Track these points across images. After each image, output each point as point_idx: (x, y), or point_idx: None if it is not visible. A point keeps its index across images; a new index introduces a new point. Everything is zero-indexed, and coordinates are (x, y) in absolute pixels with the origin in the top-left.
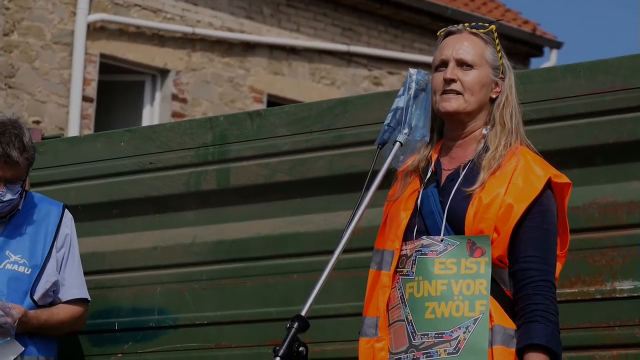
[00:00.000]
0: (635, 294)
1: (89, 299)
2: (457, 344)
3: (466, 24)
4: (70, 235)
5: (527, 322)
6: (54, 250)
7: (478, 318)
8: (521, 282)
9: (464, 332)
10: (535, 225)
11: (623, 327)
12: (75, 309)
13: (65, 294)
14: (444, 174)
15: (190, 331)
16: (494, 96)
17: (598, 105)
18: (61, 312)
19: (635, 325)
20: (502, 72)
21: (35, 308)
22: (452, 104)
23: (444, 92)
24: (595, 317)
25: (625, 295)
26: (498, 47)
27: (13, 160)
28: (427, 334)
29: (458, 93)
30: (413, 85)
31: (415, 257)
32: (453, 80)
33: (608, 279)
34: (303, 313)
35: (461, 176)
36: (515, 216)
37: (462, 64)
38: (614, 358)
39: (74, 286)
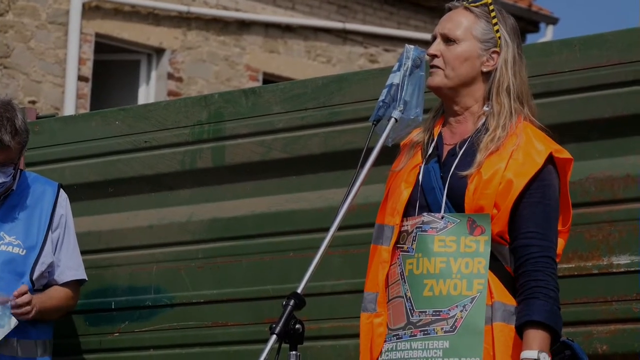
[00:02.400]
0: (633, 269)
1: (86, 279)
2: (454, 322)
3: (470, 0)
4: (65, 215)
5: (527, 299)
6: (49, 231)
7: (475, 297)
8: (521, 258)
9: (461, 311)
10: (536, 201)
11: (620, 302)
12: (69, 291)
13: (61, 276)
14: (446, 149)
15: (186, 310)
16: (485, 70)
17: (593, 79)
18: (57, 295)
19: (632, 300)
20: (498, 47)
21: (32, 290)
22: (434, 79)
23: (430, 67)
24: (592, 292)
25: (622, 270)
26: (494, 21)
27: (4, 145)
28: (425, 312)
29: (440, 68)
30: (409, 62)
31: (416, 233)
32: (435, 56)
33: (605, 253)
34: (299, 290)
35: (460, 153)
36: (515, 191)
37: (446, 39)
38: (612, 333)
39: (71, 267)
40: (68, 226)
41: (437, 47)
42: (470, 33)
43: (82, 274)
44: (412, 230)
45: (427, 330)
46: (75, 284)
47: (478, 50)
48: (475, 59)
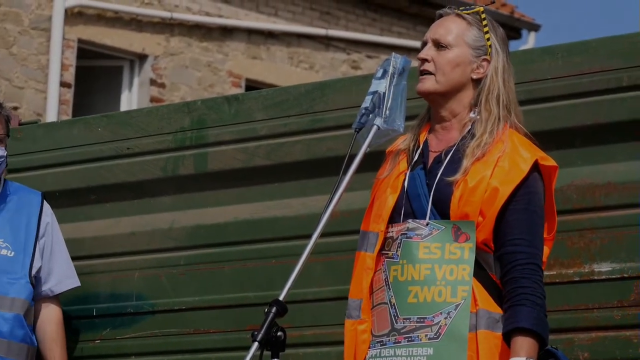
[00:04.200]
0: (614, 276)
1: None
2: (438, 329)
3: (462, 7)
4: (51, 223)
5: (514, 306)
6: (37, 238)
7: (460, 304)
8: (508, 265)
9: (445, 318)
10: (522, 208)
11: (602, 309)
12: (59, 312)
13: (60, 285)
14: (431, 156)
15: (168, 316)
16: (475, 77)
17: (575, 87)
18: (61, 334)
19: (614, 307)
20: (488, 54)
21: (31, 292)
22: (424, 84)
23: (420, 72)
24: (574, 299)
25: (603, 277)
26: (485, 29)
27: None
28: (409, 318)
29: (431, 73)
30: (395, 71)
31: (401, 240)
32: (426, 60)
33: (586, 261)
34: (281, 297)
35: (445, 160)
36: (501, 199)
37: (438, 44)
38: (593, 340)
39: (69, 276)
40: (57, 235)
41: (428, 52)
42: (462, 39)
43: (77, 280)
44: (397, 237)
45: (411, 337)
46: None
47: (469, 56)
48: (466, 66)
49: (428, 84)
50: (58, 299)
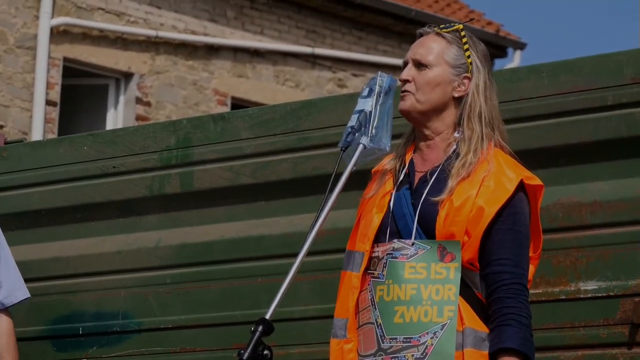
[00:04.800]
0: (600, 295)
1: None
2: (425, 349)
3: (441, 25)
4: None
5: (500, 326)
6: None
7: (446, 324)
8: (493, 285)
9: (432, 338)
10: (507, 228)
11: (587, 328)
12: (10, 323)
13: (11, 297)
14: (417, 176)
15: (154, 335)
16: (457, 95)
17: (561, 105)
18: (12, 344)
19: (599, 326)
20: (469, 72)
21: None
22: (405, 103)
23: (401, 92)
24: (559, 317)
25: (589, 295)
26: (465, 47)
27: None
28: (396, 338)
29: (411, 93)
30: (382, 90)
31: (387, 260)
32: (407, 81)
33: (572, 279)
34: (267, 316)
35: (431, 181)
36: (487, 219)
37: (418, 64)
38: (579, 358)
39: (19, 288)
40: (3, 247)
41: (409, 72)
42: (442, 58)
43: (27, 292)
44: (383, 257)
45: (397, 356)
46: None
47: (450, 75)
48: (446, 84)
49: (408, 103)
50: (8, 311)
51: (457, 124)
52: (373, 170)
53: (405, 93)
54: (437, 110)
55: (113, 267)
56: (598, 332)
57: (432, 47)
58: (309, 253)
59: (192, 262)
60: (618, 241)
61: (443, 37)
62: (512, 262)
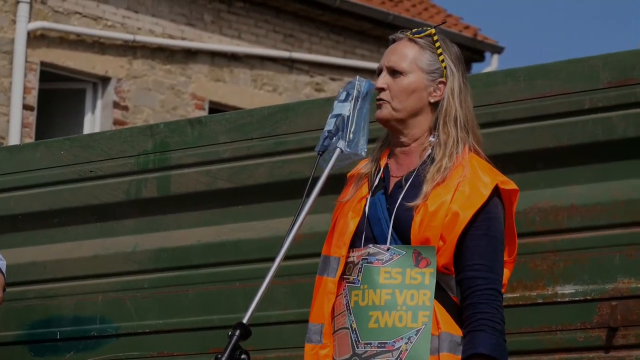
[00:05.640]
0: (577, 298)
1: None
2: (399, 354)
3: (414, 30)
4: None
5: (473, 331)
6: None
7: (421, 329)
8: (467, 290)
9: (406, 343)
10: (482, 233)
11: (565, 332)
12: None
13: None
14: (392, 181)
15: (132, 340)
16: (432, 100)
17: (538, 109)
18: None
19: (576, 330)
20: (444, 76)
21: None
22: (382, 111)
23: (377, 100)
24: (537, 321)
25: (566, 299)
26: (439, 51)
27: None
28: (370, 343)
29: (387, 101)
30: (359, 95)
31: (362, 265)
32: (383, 89)
33: (549, 283)
34: (245, 320)
35: (406, 186)
36: (462, 224)
37: (392, 71)
38: None
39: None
40: None
41: (384, 80)
42: (416, 64)
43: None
44: (358, 262)
45: None
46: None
47: (424, 81)
48: (422, 91)
49: (385, 111)
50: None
51: (433, 129)
52: (349, 174)
53: (381, 101)
54: (414, 116)
55: (90, 271)
56: (575, 336)
57: (405, 53)
58: (286, 257)
59: (170, 267)
60: (595, 245)
61: (416, 42)
62: (486, 268)
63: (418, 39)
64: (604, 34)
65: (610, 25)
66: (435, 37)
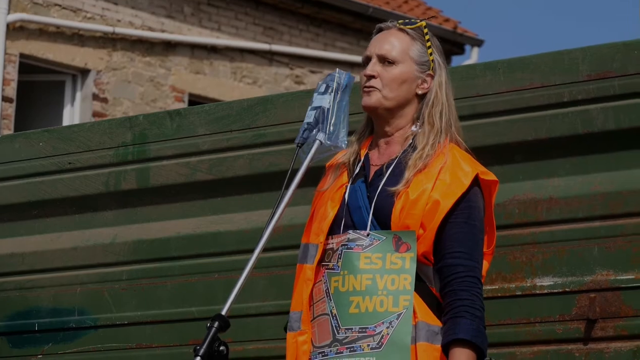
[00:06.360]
0: (556, 290)
1: None
2: (380, 339)
3: (400, 21)
4: None
5: (453, 318)
6: None
7: (402, 313)
8: (447, 277)
9: (387, 327)
10: (462, 222)
11: (543, 323)
12: None
13: None
14: (372, 169)
15: (110, 331)
16: (420, 92)
17: (517, 102)
18: None
19: (555, 322)
20: (432, 69)
21: None
22: (371, 99)
23: (364, 87)
24: (515, 313)
25: (545, 291)
26: (428, 44)
27: None
28: (351, 329)
29: (377, 89)
30: (339, 87)
31: (341, 251)
32: (373, 77)
33: (528, 275)
34: (223, 312)
35: (387, 173)
36: (442, 212)
37: (383, 60)
38: (535, 354)
39: None
40: None
41: (374, 68)
42: (408, 55)
43: None
44: (338, 248)
45: (353, 347)
46: None
47: (415, 72)
48: (412, 82)
49: (374, 98)
50: None
51: (416, 119)
52: (327, 164)
53: (370, 89)
54: (401, 106)
55: (69, 263)
56: (554, 328)
57: (396, 43)
58: (265, 249)
59: (148, 258)
60: (574, 237)
61: (407, 33)
62: (466, 255)
63: (409, 30)
64: (584, 27)
65: (591, 19)
66: (426, 30)
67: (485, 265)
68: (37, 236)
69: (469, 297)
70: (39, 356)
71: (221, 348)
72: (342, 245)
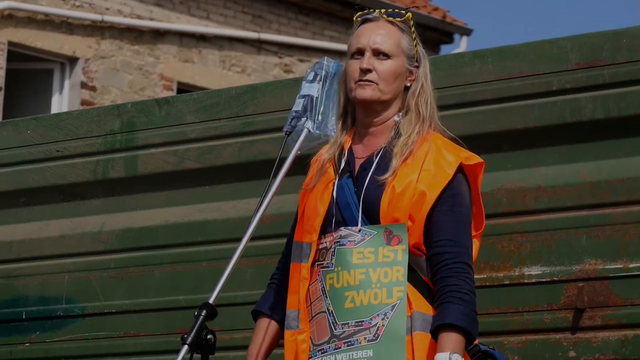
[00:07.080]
0: (544, 280)
1: None
2: (376, 330)
3: (382, 10)
4: None
5: (441, 304)
6: None
7: (396, 304)
8: (436, 266)
9: (383, 319)
10: (447, 209)
11: (531, 313)
12: None
13: None
14: (357, 163)
15: (98, 320)
16: (408, 84)
17: (505, 91)
18: None
19: (543, 311)
20: (417, 60)
21: None
22: (367, 92)
23: (360, 80)
24: (503, 302)
25: (533, 280)
26: (414, 35)
27: None
28: (348, 323)
29: (374, 82)
30: (328, 76)
31: (335, 248)
32: (369, 70)
33: (516, 264)
34: (211, 301)
35: (374, 164)
36: (429, 203)
37: (378, 53)
38: (523, 343)
39: None
40: None
41: (370, 61)
42: (400, 48)
43: None
44: (331, 246)
45: (350, 341)
46: None
47: (405, 65)
48: (403, 74)
49: (370, 92)
50: None
51: (401, 108)
52: (311, 160)
53: (366, 82)
54: (394, 98)
55: (57, 251)
56: (542, 317)
57: (388, 35)
58: (253, 238)
59: (136, 247)
60: (562, 226)
61: (396, 25)
62: (453, 243)
63: (398, 22)
64: (573, 16)
65: (580, 7)
66: (412, 22)
67: (477, 244)
68: (24, 224)
69: (456, 282)
70: (27, 344)
71: (209, 337)
72: (335, 243)
